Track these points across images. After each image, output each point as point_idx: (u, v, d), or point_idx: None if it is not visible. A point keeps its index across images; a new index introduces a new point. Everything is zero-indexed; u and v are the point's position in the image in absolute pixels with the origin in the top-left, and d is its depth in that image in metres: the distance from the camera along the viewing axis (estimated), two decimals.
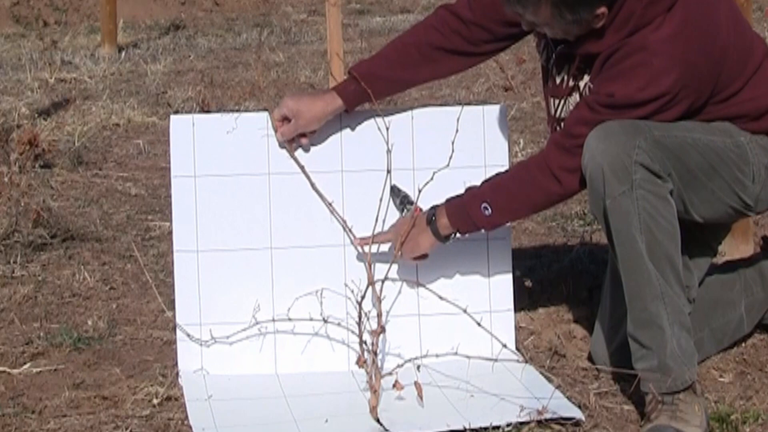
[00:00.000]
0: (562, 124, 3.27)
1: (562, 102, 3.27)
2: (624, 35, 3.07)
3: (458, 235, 3.31)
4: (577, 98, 3.23)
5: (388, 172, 3.46)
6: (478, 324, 3.30)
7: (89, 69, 8.03)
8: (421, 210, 3.39)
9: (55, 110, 6.83)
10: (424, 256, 3.38)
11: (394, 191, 3.48)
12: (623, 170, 3.01)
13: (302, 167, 3.47)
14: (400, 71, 3.45)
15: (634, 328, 3.09)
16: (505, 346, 3.29)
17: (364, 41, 8.71)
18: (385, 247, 3.41)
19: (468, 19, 3.39)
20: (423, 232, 3.32)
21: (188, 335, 3.41)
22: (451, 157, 3.40)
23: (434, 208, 3.31)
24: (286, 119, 3.44)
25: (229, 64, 8.41)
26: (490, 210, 3.22)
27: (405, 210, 3.44)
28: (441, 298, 3.37)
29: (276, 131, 3.46)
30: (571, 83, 3.24)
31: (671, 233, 3.06)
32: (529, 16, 3.09)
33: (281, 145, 3.47)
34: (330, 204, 3.46)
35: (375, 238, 3.41)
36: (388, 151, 3.46)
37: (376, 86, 3.43)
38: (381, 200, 3.44)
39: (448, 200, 3.30)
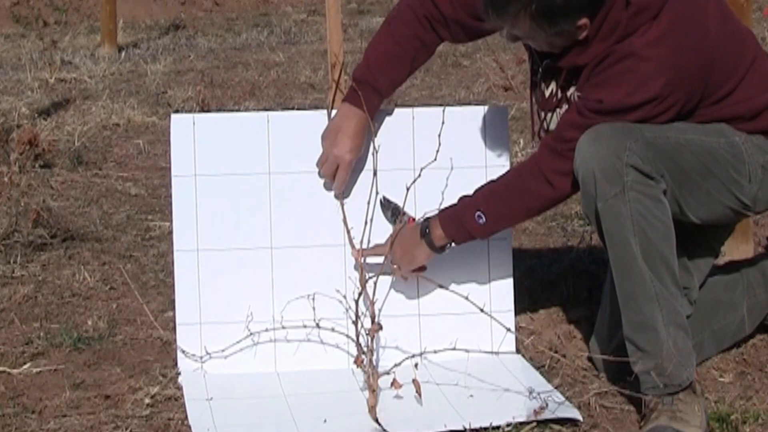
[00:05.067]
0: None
1: (552, 114, 3.27)
2: (610, 44, 3.07)
3: (453, 245, 3.31)
4: (560, 112, 3.22)
5: (375, 174, 3.45)
6: (481, 310, 3.28)
7: (89, 69, 8.04)
8: (414, 220, 3.39)
9: (55, 110, 6.83)
10: (422, 268, 3.38)
11: (384, 204, 3.48)
12: (614, 173, 3.00)
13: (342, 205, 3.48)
14: (405, 70, 3.45)
15: (629, 330, 3.09)
16: (509, 330, 3.27)
17: (364, 41, 8.71)
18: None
19: (449, 16, 3.38)
20: (418, 246, 3.31)
21: (183, 351, 3.42)
22: (438, 151, 3.38)
23: (427, 219, 3.30)
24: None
25: (229, 64, 8.41)
26: (484, 218, 3.21)
27: (397, 221, 3.43)
28: (441, 286, 3.36)
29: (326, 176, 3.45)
30: (558, 95, 3.23)
31: (665, 234, 3.05)
32: (510, 29, 3.08)
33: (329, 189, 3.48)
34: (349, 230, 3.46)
35: (370, 251, 3.40)
36: (375, 152, 3.45)
37: (394, 90, 3.46)
38: (369, 202, 3.43)
39: (441, 211, 3.29)
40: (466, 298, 3.31)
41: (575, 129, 3.08)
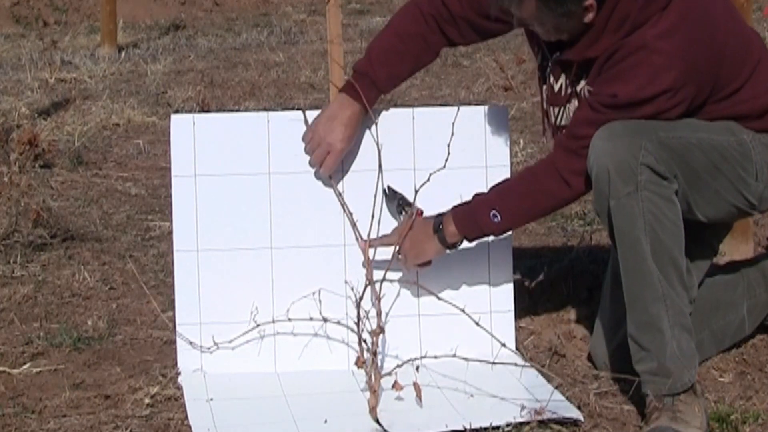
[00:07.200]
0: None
1: (562, 109, 3.26)
2: (620, 37, 3.07)
3: (465, 242, 3.31)
4: (576, 103, 3.22)
5: (380, 170, 3.44)
6: (476, 323, 3.29)
7: (89, 69, 8.04)
8: (422, 213, 3.39)
9: (55, 110, 6.83)
10: (427, 263, 3.38)
11: (389, 194, 3.47)
12: (629, 171, 3.00)
13: (340, 194, 3.47)
14: (406, 67, 3.46)
15: (634, 329, 3.09)
16: (504, 345, 3.28)
17: (364, 41, 8.71)
18: (387, 250, 3.40)
19: (457, 13, 3.39)
20: (429, 240, 3.31)
21: (189, 342, 3.42)
22: (447, 159, 3.38)
23: (441, 215, 3.30)
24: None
25: (229, 64, 8.41)
26: (499, 217, 3.21)
27: (404, 212, 3.43)
28: (439, 298, 3.36)
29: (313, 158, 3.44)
30: (569, 90, 3.23)
31: (675, 234, 3.05)
32: (516, 11, 3.08)
33: (316, 170, 3.47)
34: (354, 222, 3.46)
35: (378, 241, 3.40)
36: (379, 150, 3.44)
37: (393, 86, 3.48)
38: (375, 197, 3.43)
39: (454, 208, 3.28)
40: (463, 310, 3.28)
41: (589, 126, 3.08)
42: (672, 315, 3.04)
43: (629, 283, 3.07)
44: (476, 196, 3.27)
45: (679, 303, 3.06)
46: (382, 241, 3.40)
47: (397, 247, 3.37)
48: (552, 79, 3.27)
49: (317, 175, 3.47)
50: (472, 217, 3.25)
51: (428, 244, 3.32)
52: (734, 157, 3.15)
